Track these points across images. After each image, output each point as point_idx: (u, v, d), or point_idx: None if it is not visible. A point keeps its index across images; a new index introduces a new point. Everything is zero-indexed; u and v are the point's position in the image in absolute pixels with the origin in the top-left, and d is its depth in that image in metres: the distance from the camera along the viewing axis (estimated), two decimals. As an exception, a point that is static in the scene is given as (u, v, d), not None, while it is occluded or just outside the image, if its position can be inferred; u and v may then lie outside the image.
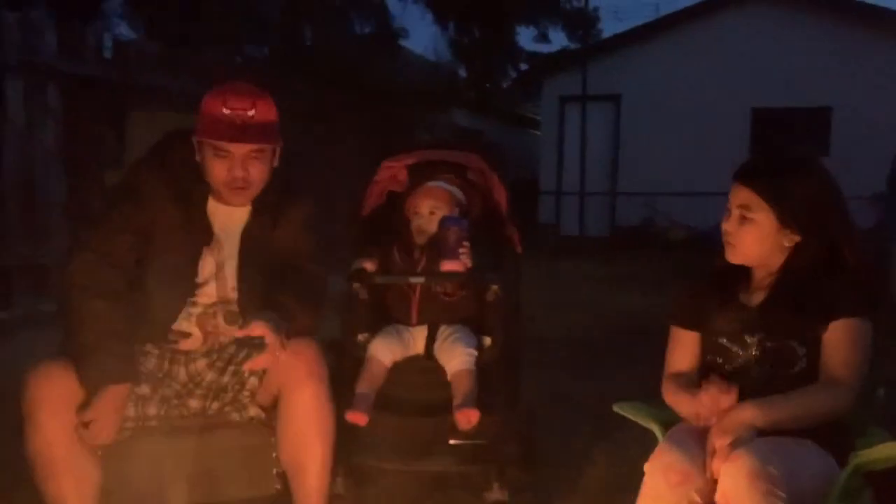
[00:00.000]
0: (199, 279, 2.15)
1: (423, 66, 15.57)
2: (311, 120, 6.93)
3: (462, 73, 16.48)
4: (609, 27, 26.87)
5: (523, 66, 16.97)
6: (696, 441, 1.73)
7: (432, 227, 2.48)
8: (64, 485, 1.87)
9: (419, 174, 2.64)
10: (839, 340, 1.78)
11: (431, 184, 2.57)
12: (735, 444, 1.64)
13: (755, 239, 1.86)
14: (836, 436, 1.75)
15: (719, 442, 1.67)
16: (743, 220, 1.86)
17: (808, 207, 1.85)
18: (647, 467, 1.70)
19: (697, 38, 12.21)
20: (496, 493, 2.23)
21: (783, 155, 1.97)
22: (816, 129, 11.39)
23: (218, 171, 2.10)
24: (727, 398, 1.75)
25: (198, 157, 2.14)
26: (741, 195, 1.86)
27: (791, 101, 11.61)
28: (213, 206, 2.19)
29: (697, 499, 1.63)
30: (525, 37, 42.16)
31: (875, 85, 11.04)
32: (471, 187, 2.65)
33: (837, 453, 1.71)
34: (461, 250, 2.33)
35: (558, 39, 35.78)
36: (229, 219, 2.20)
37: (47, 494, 1.88)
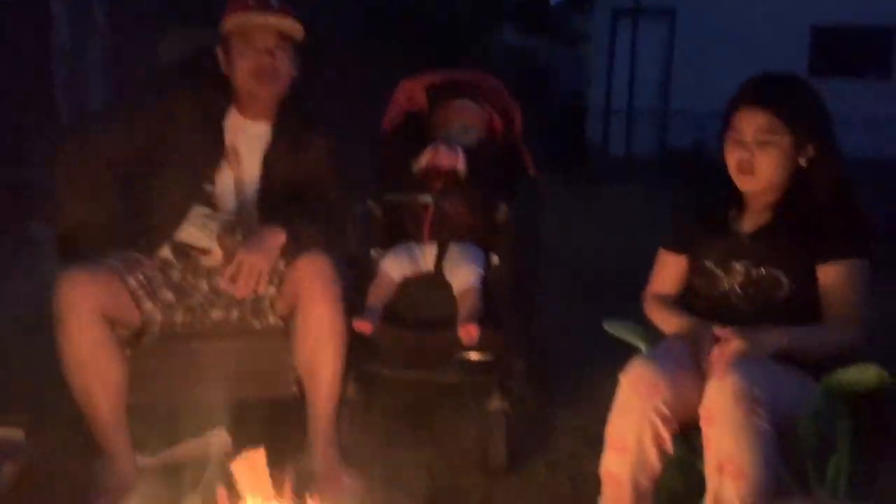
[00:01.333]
0: (216, 191, 2.25)
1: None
2: (354, 48, 6.89)
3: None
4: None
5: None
6: (673, 358, 1.79)
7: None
8: (91, 382, 2.00)
9: (436, 94, 2.70)
10: (843, 281, 1.80)
11: (460, 102, 2.62)
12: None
13: (776, 163, 1.85)
14: (823, 366, 1.77)
15: (719, 360, 1.70)
16: (763, 144, 1.84)
17: (820, 127, 1.86)
18: (620, 377, 1.78)
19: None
20: (497, 402, 2.33)
21: (783, 76, 1.92)
22: (877, 51, 10.91)
23: (244, 62, 2.20)
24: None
25: (223, 68, 2.23)
26: (759, 119, 1.84)
27: (852, 20, 11.11)
28: (234, 120, 2.27)
29: (665, 410, 1.70)
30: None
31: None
32: (486, 108, 2.69)
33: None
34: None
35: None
36: (251, 136, 2.28)
37: (75, 391, 2.02)
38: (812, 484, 1.66)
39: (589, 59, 14.33)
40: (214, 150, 2.25)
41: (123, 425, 2.07)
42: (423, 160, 2.51)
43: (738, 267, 1.88)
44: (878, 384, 1.67)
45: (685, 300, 2.00)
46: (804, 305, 1.83)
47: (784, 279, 1.83)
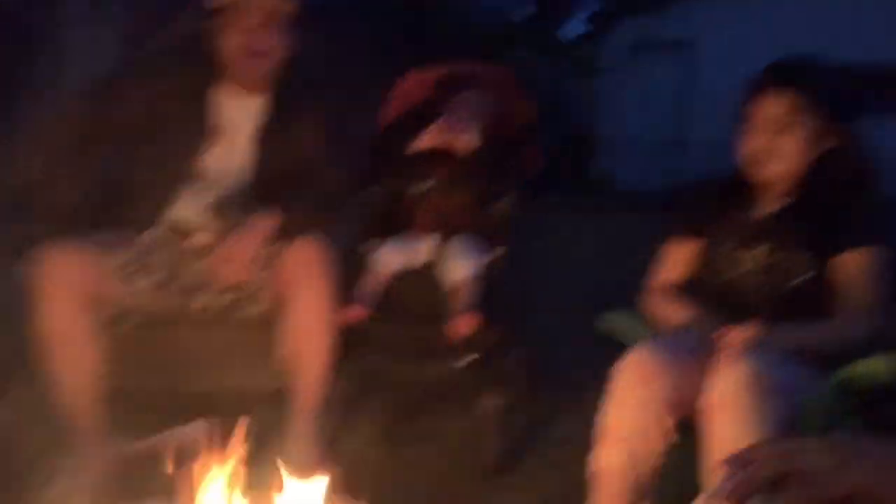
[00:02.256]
0: (208, 168, 2.18)
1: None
2: (367, 55, 6.89)
3: (527, 11, 16.02)
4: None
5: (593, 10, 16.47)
6: (675, 344, 1.69)
7: None
8: (67, 363, 1.92)
9: (444, 87, 2.63)
10: (859, 271, 1.71)
11: (466, 93, 2.56)
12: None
13: (799, 146, 1.76)
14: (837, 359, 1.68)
15: (731, 346, 1.61)
16: (783, 128, 1.75)
17: (845, 110, 1.79)
18: (617, 365, 1.66)
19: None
20: (490, 399, 2.26)
21: (805, 57, 1.83)
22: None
23: (235, 38, 2.13)
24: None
25: (214, 42, 2.16)
26: (781, 101, 1.74)
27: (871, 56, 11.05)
28: (226, 95, 2.21)
29: (668, 395, 1.60)
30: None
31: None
32: (496, 102, 2.63)
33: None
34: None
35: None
36: (244, 110, 2.21)
37: (47, 371, 1.94)
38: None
39: (601, 89, 14.34)
40: (205, 125, 2.18)
41: (96, 409, 1.99)
42: (431, 137, 2.44)
43: (759, 248, 1.79)
44: (890, 376, 1.58)
45: (691, 295, 1.90)
46: (817, 295, 1.74)
47: (803, 264, 1.74)
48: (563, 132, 12.56)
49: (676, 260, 1.94)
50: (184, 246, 2.21)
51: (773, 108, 1.75)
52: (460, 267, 2.32)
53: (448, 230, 2.44)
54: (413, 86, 2.70)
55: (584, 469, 1.78)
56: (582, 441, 1.81)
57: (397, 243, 2.43)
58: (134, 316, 2.10)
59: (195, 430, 2.12)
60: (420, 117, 2.63)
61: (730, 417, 1.48)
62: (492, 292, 2.33)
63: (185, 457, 1.90)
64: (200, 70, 2.20)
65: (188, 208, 2.19)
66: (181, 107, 2.15)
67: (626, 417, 1.62)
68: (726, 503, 0.65)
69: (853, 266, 1.72)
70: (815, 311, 1.72)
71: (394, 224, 2.52)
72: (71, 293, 1.92)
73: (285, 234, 2.11)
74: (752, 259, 1.79)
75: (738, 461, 0.69)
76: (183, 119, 2.15)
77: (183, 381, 2.16)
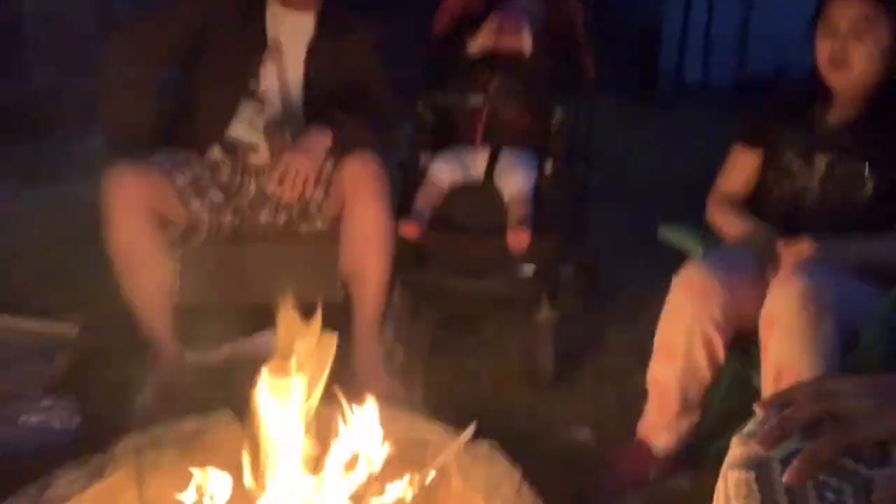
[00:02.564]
0: (261, 87, 2.20)
1: None
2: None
3: None
4: None
5: None
6: (731, 261, 1.68)
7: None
8: (139, 276, 2.01)
9: None
10: None
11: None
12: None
13: (873, 55, 1.70)
14: None
15: (787, 261, 1.59)
16: (859, 34, 1.69)
17: None
18: (673, 280, 1.68)
19: None
20: (545, 312, 2.28)
21: None
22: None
23: None
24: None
25: None
26: (856, 7, 1.69)
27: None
28: (276, 12, 2.21)
29: (718, 315, 1.60)
30: None
31: None
32: (549, 6, 2.56)
33: None
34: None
35: None
36: (294, 28, 2.21)
37: (126, 287, 2.03)
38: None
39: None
40: (257, 44, 2.19)
41: (171, 321, 2.09)
42: (484, 37, 2.40)
43: (821, 160, 1.74)
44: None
45: (754, 206, 1.87)
46: (885, 209, 1.69)
47: (868, 176, 1.69)
48: (628, 26, 12.08)
49: (739, 169, 1.91)
50: (242, 165, 2.25)
51: (848, 12, 1.70)
52: (516, 181, 2.30)
53: (503, 142, 2.42)
54: None
55: (637, 380, 1.82)
56: (638, 353, 1.85)
57: (451, 157, 2.41)
58: (200, 234, 2.16)
59: (265, 340, 2.24)
60: (472, 24, 2.57)
61: (785, 336, 1.46)
62: (548, 204, 2.32)
63: (257, 366, 2.03)
64: None
65: (245, 127, 2.22)
66: (235, 23, 2.16)
67: (678, 335, 1.64)
68: (760, 446, 0.67)
69: None
70: (876, 227, 1.68)
71: (448, 136, 2.50)
72: (140, 213, 1.99)
73: (340, 150, 2.13)
74: (813, 171, 1.75)
75: (775, 403, 0.70)
76: (237, 35, 2.16)
77: (249, 295, 2.22)
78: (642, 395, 1.78)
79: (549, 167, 2.37)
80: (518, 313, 2.42)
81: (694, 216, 2.01)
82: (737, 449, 0.71)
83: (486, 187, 2.36)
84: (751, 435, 0.69)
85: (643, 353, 1.79)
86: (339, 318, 2.17)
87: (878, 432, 0.64)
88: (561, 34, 2.58)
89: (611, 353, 2.50)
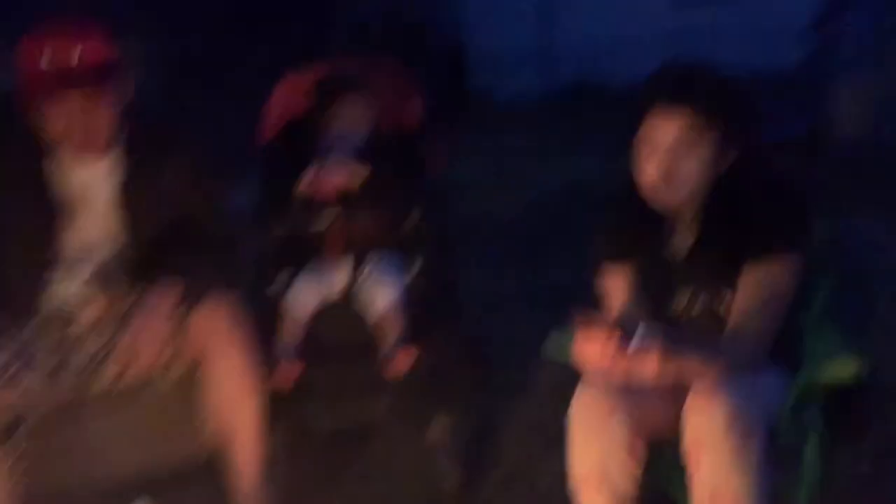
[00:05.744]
0: (71, 248, 1.98)
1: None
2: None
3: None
4: None
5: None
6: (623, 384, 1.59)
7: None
8: None
9: (324, 91, 2.40)
10: (751, 284, 1.59)
11: (349, 97, 2.35)
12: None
13: (703, 167, 1.59)
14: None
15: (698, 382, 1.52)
16: (685, 148, 1.58)
17: (746, 122, 1.67)
18: (571, 410, 1.59)
19: None
20: (440, 421, 2.17)
21: (695, 68, 1.70)
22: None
23: (53, 124, 1.87)
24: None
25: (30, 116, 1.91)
26: (679, 121, 1.57)
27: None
28: (69, 164, 1.96)
29: (625, 433, 1.55)
30: None
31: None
32: (379, 99, 2.43)
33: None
34: None
35: None
36: (93, 177, 1.98)
37: None
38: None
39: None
40: (48, 208, 1.95)
41: None
42: (310, 186, 2.27)
43: (682, 293, 1.68)
44: (853, 377, 1.55)
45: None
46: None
47: (727, 293, 1.63)
48: (434, 52, 12.23)
49: (616, 289, 1.77)
50: (71, 327, 2.01)
51: (670, 127, 1.58)
52: (382, 293, 2.18)
53: (361, 251, 2.28)
54: (288, 95, 2.47)
55: (550, 470, 1.72)
56: (543, 439, 1.76)
57: (309, 277, 2.25)
58: (31, 417, 1.90)
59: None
60: (299, 134, 2.41)
61: (716, 458, 1.45)
62: (424, 306, 2.21)
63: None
64: (24, 147, 1.93)
65: (66, 288, 2.00)
66: (17, 190, 1.92)
67: (591, 466, 1.57)
68: None
69: (748, 280, 1.59)
70: None
71: (301, 256, 2.32)
72: None
73: (190, 299, 1.94)
74: (677, 304, 1.69)
75: None
76: (23, 205, 1.93)
77: (105, 470, 1.98)
78: (557, 481, 1.66)
79: (416, 265, 2.27)
80: (409, 427, 2.26)
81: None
82: None
83: (351, 305, 2.22)
84: None
85: (549, 439, 1.71)
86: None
87: None
88: (403, 124, 2.48)
89: (515, 444, 2.38)
